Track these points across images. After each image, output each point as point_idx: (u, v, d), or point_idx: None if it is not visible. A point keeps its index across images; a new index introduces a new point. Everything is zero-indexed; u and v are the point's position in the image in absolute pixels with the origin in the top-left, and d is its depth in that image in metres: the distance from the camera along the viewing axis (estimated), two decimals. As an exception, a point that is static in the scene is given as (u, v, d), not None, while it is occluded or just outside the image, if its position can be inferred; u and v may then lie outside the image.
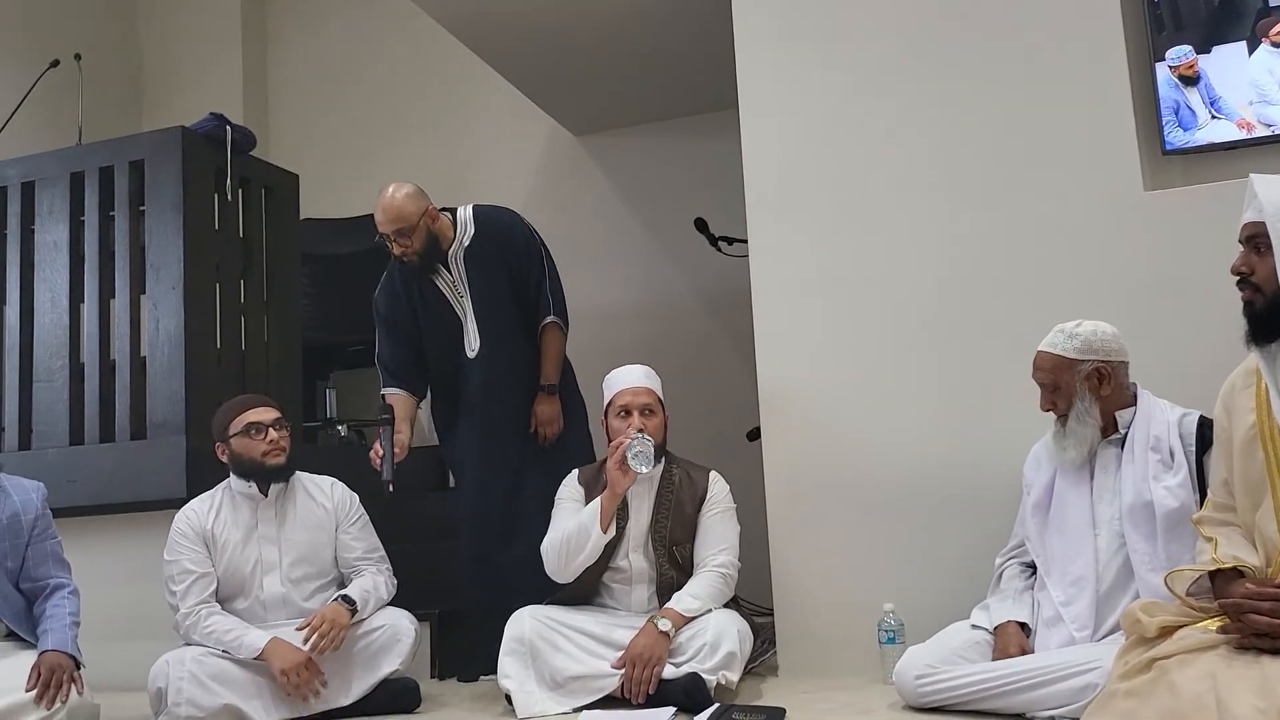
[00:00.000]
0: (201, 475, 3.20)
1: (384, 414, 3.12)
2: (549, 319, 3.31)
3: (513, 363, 3.28)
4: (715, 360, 4.66)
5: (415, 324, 3.31)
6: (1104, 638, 2.31)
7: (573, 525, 2.81)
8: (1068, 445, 2.44)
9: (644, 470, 2.74)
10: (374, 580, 2.92)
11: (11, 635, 2.72)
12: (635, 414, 2.88)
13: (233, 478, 2.95)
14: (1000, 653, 2.39)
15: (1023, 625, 2.45)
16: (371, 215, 5.06)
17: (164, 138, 3.69)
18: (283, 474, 2.93)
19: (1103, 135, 2.89)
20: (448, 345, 3.30)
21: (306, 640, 2.71)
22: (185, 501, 2.99)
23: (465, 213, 3.33)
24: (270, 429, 2.90)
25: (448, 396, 3.37)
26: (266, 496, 2.93)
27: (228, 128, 3.74)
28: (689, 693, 2.56)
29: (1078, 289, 2.84)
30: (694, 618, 2.73)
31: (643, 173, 5.03)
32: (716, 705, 2.49)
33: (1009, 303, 2.93)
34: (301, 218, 4.25)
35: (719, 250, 4.24)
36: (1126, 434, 2.44)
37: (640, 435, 2.77)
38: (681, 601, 2.75)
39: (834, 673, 2.91)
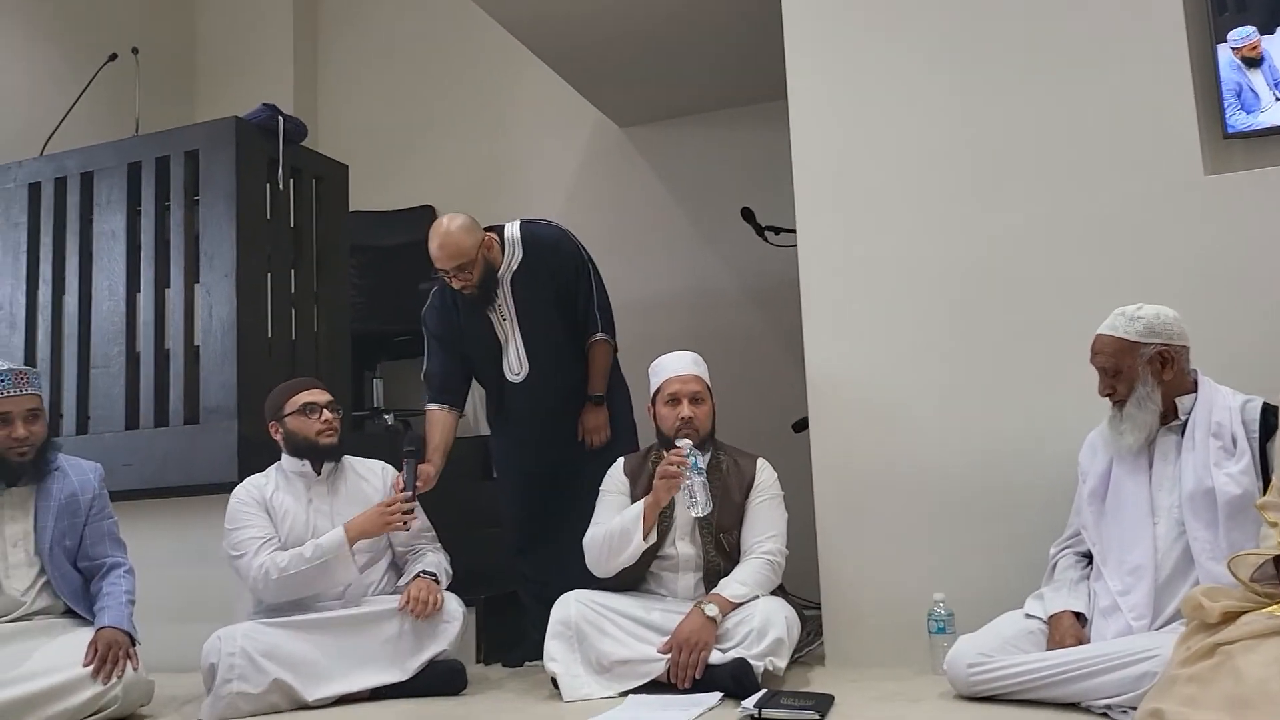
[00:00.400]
0: (252, 460, 3.24)
1: (409, 446, 3.11)
2: (597, 336, 3.29)
3: (558, 384, 3.27)
4: (760, 352, 4.63)
5: (464, 341, 3.32)
6: (1162, 627, 2.27)
7: (616, 525, 2.81)
8: (1125, 430, 2.39)
9: (699, 515, 2.73)
10: (438, 557, 3.02)
11: (69, 612, 2.79)
12: (684, 401, 2.88)
13: (285, 458, 3.00)
14: (1056, 643, 2.35)
15: (1078, 616, 2.41)
16: (418, 208, 5.11)
17: (218, 128, 3.73)
18: (335, 454, 2.99)
19: (1162, 118, 2.83)
20: (490, 367, 3.30)
21: (412, 612, 2.78)
22: (237, 485, 3.02)
23: (513, 233, 3.26)
24: (325, 410, 2.96)
25: (495, 404, 3.38)
26: (319, 475, 2.98)
27: (280, 118, 3.76)
28: (736, 678, 2.55)
29: (1135, 275, 2.79)
30: (741, 604, 2.72)
31: (689, 164, 5.01)
32: (764, 690, 2.47)
33: (1064, 289, 2.88)
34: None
35: (766, 240, 4.22)
36: (1186, 421, 2.39)
37: (695, 464, 2.72)
38: (729, 588, 2.74)
39: (882, 662, 2.88)
